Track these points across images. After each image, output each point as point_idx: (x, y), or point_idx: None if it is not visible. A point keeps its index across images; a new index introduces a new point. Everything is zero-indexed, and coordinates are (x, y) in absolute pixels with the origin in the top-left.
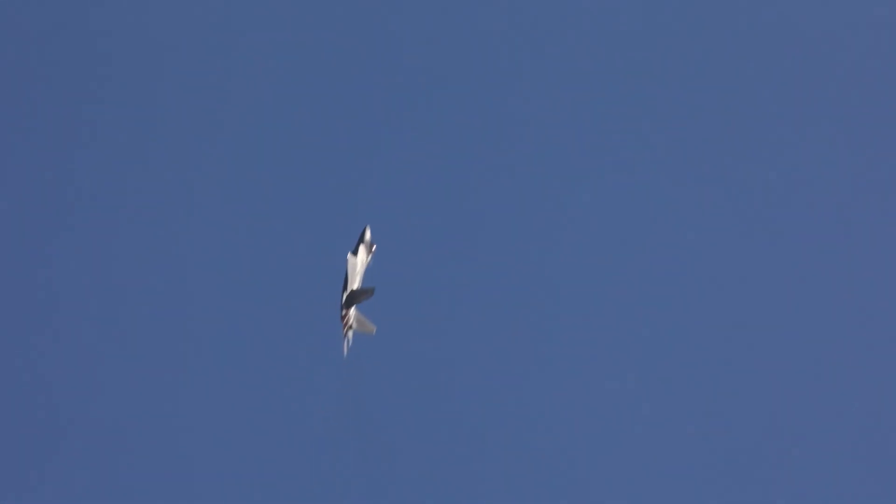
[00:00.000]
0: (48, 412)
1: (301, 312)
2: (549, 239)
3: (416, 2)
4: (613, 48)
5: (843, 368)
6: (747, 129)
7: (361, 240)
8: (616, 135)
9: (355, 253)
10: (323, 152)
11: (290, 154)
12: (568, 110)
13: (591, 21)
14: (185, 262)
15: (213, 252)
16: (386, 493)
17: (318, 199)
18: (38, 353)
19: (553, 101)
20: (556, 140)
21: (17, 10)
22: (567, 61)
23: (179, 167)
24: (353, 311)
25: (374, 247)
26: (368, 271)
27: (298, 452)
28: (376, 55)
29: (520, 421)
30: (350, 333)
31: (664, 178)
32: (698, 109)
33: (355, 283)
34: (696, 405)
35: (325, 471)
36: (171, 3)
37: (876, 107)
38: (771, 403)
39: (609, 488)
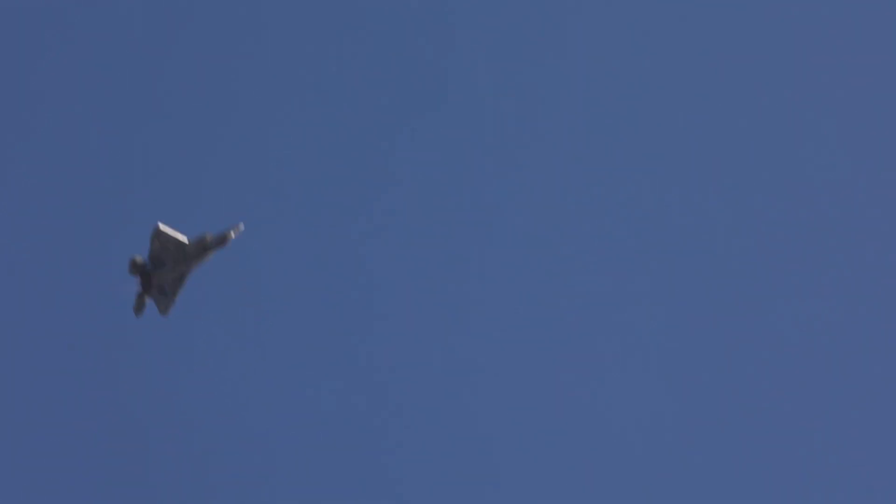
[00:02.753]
0: None
1: None
2: (549, 239)
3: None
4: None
5: (844, 368)
6: (747, 128)
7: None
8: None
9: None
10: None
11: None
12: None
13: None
14: None
15: None
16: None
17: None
18: None
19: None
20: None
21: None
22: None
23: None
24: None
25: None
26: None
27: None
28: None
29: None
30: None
31: (665, 178)
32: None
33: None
34: (695, 405)
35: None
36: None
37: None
38: (770, 404)
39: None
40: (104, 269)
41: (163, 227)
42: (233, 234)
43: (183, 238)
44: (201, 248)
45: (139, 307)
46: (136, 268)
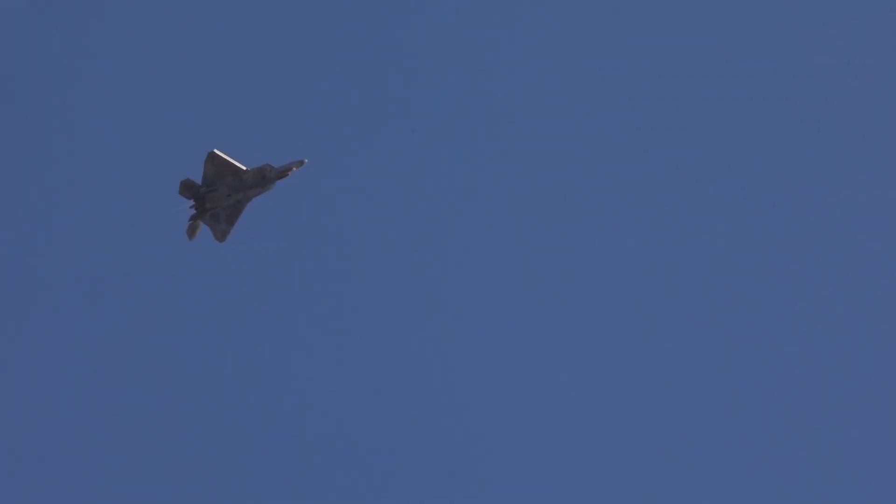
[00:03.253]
0: None
1: None
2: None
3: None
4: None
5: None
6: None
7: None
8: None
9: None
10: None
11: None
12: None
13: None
14: None
15: None
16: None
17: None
18: None
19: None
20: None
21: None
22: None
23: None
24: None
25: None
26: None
27: None
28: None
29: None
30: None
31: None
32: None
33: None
34: (693, 406)
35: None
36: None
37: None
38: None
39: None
40: (159, 193)
41: (218, 153)
42: (294, 168)
43: (241, 165)
44: (259, 176)
45: (192, 231)
46: (187, 189)
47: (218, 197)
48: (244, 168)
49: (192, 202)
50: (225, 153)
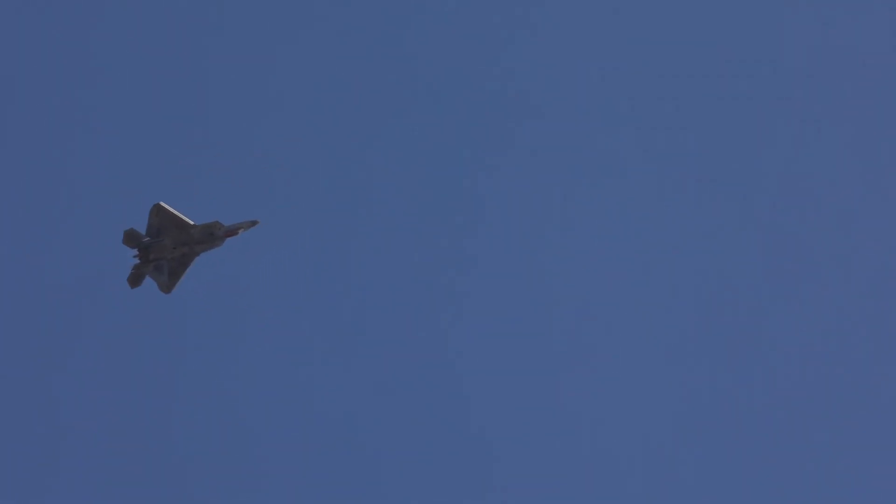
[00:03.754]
0: None
1: None
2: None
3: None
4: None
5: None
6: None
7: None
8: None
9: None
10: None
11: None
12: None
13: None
14: None
15: None
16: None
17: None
18: None
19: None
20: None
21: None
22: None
23: None
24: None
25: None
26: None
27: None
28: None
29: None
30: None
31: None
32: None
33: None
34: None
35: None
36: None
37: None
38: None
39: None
40: (102, 243)
41: (164, 205)
42: (245, 228)
43: (188, 220)
44: (208, 233)
45: (134, 279)
46: (131, 239)
47: (162, 248)
48: (191, 223)
49: (135, 252)
50: (171, 206)
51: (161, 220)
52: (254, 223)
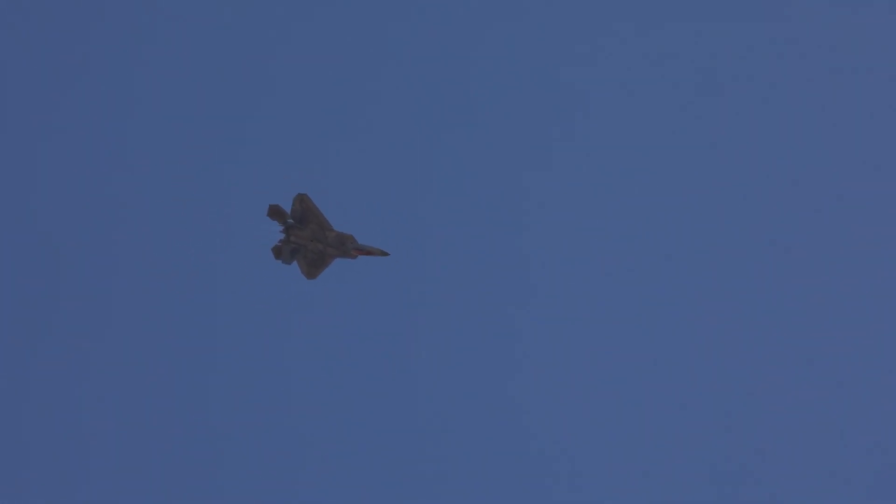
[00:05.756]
0: None
1: None
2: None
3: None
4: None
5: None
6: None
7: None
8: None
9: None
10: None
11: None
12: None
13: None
14: None
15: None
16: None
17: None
18: None
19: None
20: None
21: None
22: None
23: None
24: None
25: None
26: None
27: None
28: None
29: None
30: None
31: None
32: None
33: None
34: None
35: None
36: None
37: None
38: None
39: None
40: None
41: (308, 196)
42: (374, 254)
43: (327, 220)
44: (340, 241)
45: (278, 252)
46: (275, 214)
47: (302, 235)
48: (329, 224)
49: (281, 227)
50: (316, 202)
51: (304, 211)
52: (384, 254)
